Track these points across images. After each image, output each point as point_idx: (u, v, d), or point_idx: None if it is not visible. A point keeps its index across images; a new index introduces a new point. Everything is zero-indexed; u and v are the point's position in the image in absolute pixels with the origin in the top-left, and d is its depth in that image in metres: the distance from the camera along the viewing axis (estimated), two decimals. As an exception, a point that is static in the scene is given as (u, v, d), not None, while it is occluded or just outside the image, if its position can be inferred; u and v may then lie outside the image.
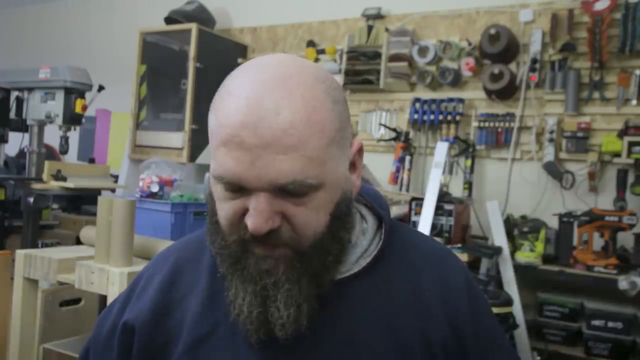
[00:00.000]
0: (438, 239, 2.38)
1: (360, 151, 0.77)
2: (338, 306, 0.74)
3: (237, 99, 0.66)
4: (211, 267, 0.80)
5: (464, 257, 2.37)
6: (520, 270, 2.42)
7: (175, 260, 0.84)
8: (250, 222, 0.66)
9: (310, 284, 0.70)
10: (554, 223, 2.54)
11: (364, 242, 0.79)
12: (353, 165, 0.76)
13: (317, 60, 3.30)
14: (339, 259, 0.74)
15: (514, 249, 2.48)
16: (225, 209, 0.70)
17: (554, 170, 2.68)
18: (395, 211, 2.57)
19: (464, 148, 2.86)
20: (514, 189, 2.82)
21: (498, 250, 2.40)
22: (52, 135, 2.94)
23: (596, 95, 2.63)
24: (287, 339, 0.70)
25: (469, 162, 2.85)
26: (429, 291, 0.78)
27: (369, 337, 0.73)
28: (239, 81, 0.69)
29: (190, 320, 0.77)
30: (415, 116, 3.02)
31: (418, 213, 2.49)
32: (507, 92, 2.79)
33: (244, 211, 0.68)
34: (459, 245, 2.44)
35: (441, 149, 2.63)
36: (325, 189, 0.69)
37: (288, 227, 0.68)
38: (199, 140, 3.38)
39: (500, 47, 2.73)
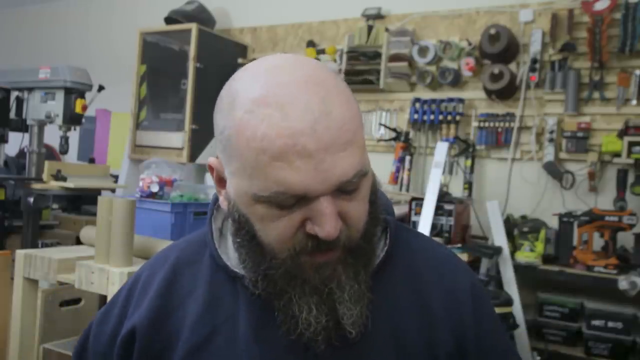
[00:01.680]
0: (438, 239, 2.38)
1: None
2: None
3: (277, 108, 0.62)
4: (211, 269, 0.78)
5: (464, 257, 2.37)
6: (520, 270, 2.42)
7: (174, 262, 0.82)
8: (325, 230, 0.64)
9: (366, 273, 0.71)
10: (554, 223, 2.54)
11: None
12: None
13: (317, 60, 3.30)
14: (378, 239, 0.76)
15: (514, 249, 2.48)
16: (276, 227, 0.66)
17: (554, 170, 2.68)
18: (395, 211, 2.57)
19: (464, 148, 2.86)
20: (514, 189, 2.82)
21: (498, 250, 2.40)
22: (52, 135, 2.94)
23: (596, 95, 2.63)
24: (356, 338, 0.69)
25: (469, 162, 2.85)
26: (434, 299, 0.77)
27: (374, 343, 0.73)
28: (263, 90, 0.64)
29: (189, 325, 0.75)
30: (415, 116, 3.02)
31: (418, 213, 2.49)
32: (507, 92, 2.79)
33: (301, 224, 0.66)
34: (459, 245, 2.44)
35: (441, 149, 2.63)
36: (368, 175, 0.69)
37: (344, 226, 0.68)
38: (199, 140, 3.38)
39: (500, 47, 2.73)
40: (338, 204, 0.66)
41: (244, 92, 0.65)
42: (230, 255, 0.77)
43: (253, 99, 0.64)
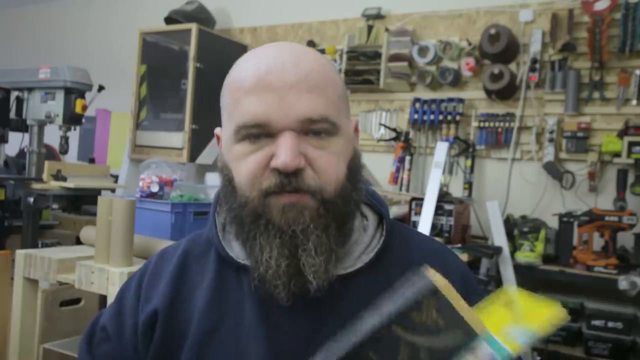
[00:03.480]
0: (438, 239, 2.38)
1: (356, 130, 0.82)
2: (341, 302, 0.75)
3: (257, 57, 0.74)
4: (217, 263, 0.81)
5: (464, 257, 2.37)
6: (520, 270, 2.42)
7: (183, 256, 0.85)
8: (280, 160, 0.68)
9: (338, 231, 0.72)
10: (554, 223, 2.54)
11: (366, 238, 0.80)
12: None
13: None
14: (358, 208, 0.79)
15: (514, 249, 2.48)
16: (246, 163, 0.72)
17: (554, 170, 2.68)
18: (395, 211, 2.57)
19: (464, 148, 2.86)
20: (514, 189, 2.82)
21: (498, 250, 2.39)
22: (52, 135, 2.94)
23: (596, 95, 2.63)
24: (318, 291, 0.70)
25: (469, 162, 2.85)
26: None
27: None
28: (250, 53, 0.77)
29: (198, 314, 0.78)
30: (415, 116, 3.02)
31: (418, 213, 2.49)
32: (507, 92, 2.79)
33: (268, 161, 0.71)
34: (459, 245, 2.44)
35: (441, 149, 2.63)
36: (341, 136, 0.74)
37: (312, 172, 0.71)
38: (199, 140, 3.38)
39: (500, 47, 2.73)
40: (304, 146, 0.71)
41: (236, 64, 0.78)
42: (234, 248, 0.80)
43: (243, 59, 0.77)
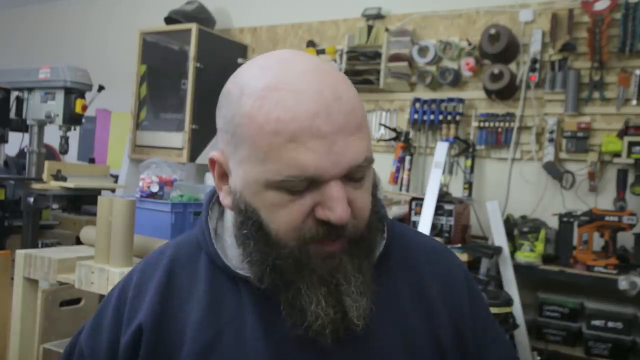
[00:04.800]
0: (438, 239, 2.38)
1: None
2: None
3: (290, 92, 0.64)
4: (208, 270, 0.77)
5: (464, 257, 2.37)
6: (520, 270, 2.42)
7: (168, 264, 0.79)
8: (337, 214, 0.64)
9: (369, 265, 0.72)
10: (554, 223, 2.54)
11: None
12: None
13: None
14: (382, 234, 0.77)
15: (514, 249, 2.48)
16: (287, 213, 0.66)
17: (554, 170, 2.68)
18: (395, 211, 2.57)
19: (464, 148, 2.86)
20: (514, 189, 2.82)
21: (498, 250, 2.39)
22: (52, 135, 2.94)
23: (596, 95, 2.63)
24: (361, 329, 0.69)
25: (469, 162, 2.85)
26: (431, 289, 0.79)
27: (379, 334, 0.73)
28: (274, 77, 0.65)
29: (192, 327, 0.73)
30: (415, 116, 3.02)
31: (418, 213, 2.49)
32: (507, 92, 2.79)
33: (311, 210, 0.66)
34: (459, 245, 2.44)
35: (441, 149, 2.63)
36: (372, 166, 0.71)
37: (351, 215, 0.68)
38: (199, 140, 3.38)
39: (500, 47, 2.73)
40: (346, 190, 0.66)
41: (254, 80, 0.67)
42: (229, 255, 0.76)
43: (264, 86, 0.65)
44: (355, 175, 0.67)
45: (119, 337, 0.76)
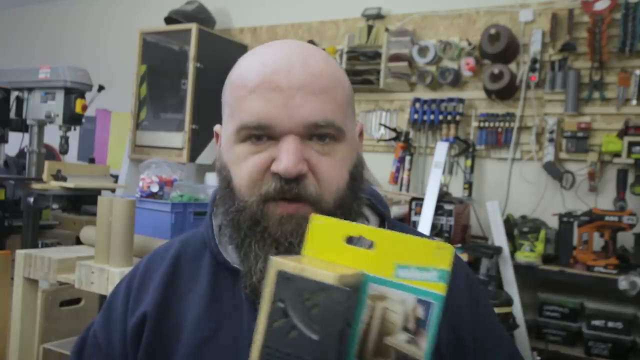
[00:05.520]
0: (438, 239, 2.37)
1: (361, 134, 0.81)
2: None
3: (264, 54, 0.71)
4: (211, 266, 0.79)
5: (464, 257, 2.37)
6: (520, 270, 2.42)
7: (174, 258, 0.82)
8: (282, 164, 0.66)
9: None
10: (554, 223, 2.54)
11: None
12: None
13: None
14: (357, 219, 0.74)
15: (514, 249, 2.48)
16: (246, 165, 0.69)
17: (554, 170, 2.68)
18: (395, 211, 2.57)
19: (464, 148, 2.86)
20: (514, 189, 2.82)
21: (498, 250, 2.39)
22: (52, 135, 2.94)
23: (596, 95, 2.63)
24: None
25: (469, 162, 2.85)
26: None
27: None
28: (253, 52, 0.74)
29: (191, 320, 0.75)
30: (415, 116, 3.02)
31: (418, 213, 2.49)
32: (507, 92, 2.79)
33: (269, 164, 0.68)
34: (459, 245, 2.44)
35: (441, 149, 2.63)
36: (346, 142, 0.71)
37: (313, 179, 0.69)
38: (199, 140, 3.38)
39: (500, 47, 2.73)
40: (307, 151, 0.68)
41: (240, 60, 0.75)
42: (229, 252, 0.78)
43: (245, 58, 0.74)
44: (317, 132, 0.68)
45: (127, 326, 0.79)
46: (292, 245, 0.68)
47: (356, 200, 0.73)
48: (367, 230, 0.54)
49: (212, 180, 2.80)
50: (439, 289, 0.49)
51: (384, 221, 0.83)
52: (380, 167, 3.03)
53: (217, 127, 0.80)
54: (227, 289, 0.76)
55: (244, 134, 0.69)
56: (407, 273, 0.50)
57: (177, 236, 0.89)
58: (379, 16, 3.23)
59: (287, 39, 0.76)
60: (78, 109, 2.68)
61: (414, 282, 0.50)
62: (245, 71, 0.71)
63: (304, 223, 0.67)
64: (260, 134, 0.69)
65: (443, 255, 0.50)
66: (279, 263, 0.51)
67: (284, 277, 0.50)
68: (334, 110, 0.69)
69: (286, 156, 0.66)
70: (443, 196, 2.51)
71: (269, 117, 0.67)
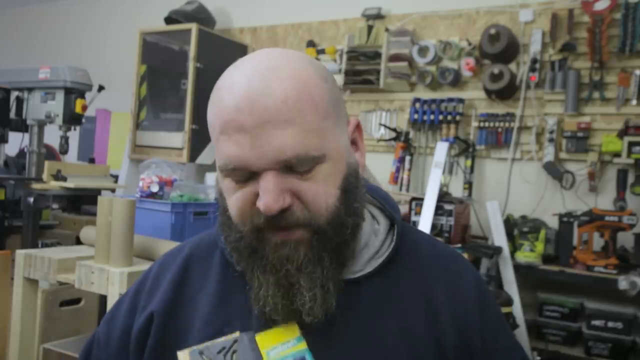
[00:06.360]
0: (438, 239, 2.38)
1: (358, 128, 0.78)
2: (350, 306, 0.74)
3: (228, 89, 0.69)
4: (221, 266, 0.80)
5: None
6: (520, 270, 2.42)
7: (186, 258, 0.84)
8: (262, 202, 0.66)
9: (332, 261, 0.70)
10: (554, 223, 2.54)
11: (376, 242, 0.79)
12: (354, 143, 0.77)
13: (317, 60, 3.30)
14: (356, 233, 0.74)
15: (514, 249, 2.48)
16: (235, 199, 0.70)
17: (554, 170, 2.68)
18: (395, 211, 2.56)
19: (464, 148, 2.86)
20: (514, 189, 2.82)
21: (498, 250, 2.40)
22: (52, 135, 2.94)
23: (596, 95, 2.63)
24: (315, 323, 0.69)
25: (469, 162, 2.85)
26: (440, 294, 0.77)
27: (382, 338, 0.73)
28: (228, 74, 0.71)
29: (200, 319, 0.77)
30: (415, 116, 3.02)
31: (418, 213, 2.49)
32: (507, 92, 2.79)
33: (254, 198, 0.68)
34: (459, 245, 2.44)
35: (441, 149, 2.63)
36: (329, 161, 0.69)
37: (300, 205, 0.68)
38: (199, 140, 3.38)
39: (500, 47, 2.73)
40: (287, 182, 0.67)
41: (219, 79, 0.73)
42: None
43: (218, 84, 0.72)
44: (297, 168, 0.67)
45: (133, 323, 0.80)
46: (288, 272, 0.69)
47: (351, 215, 0.72)
48: None
49: (212, 180, 2.80)
50: (303, 345, 0.69)
51: (394, 224, 0.82)
52: (380, 167, 3.03)
53: None
54: (237, 288, 0.77)
55: (225, 173, 0.70)
56: (275, 352, 0.70)
57: (190, 238, 0.90)
58: (379, 16, 3.23)
59: (259, 54, 0.72)
60: (78, 109, 2.68)
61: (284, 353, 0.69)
62: (214, 107, 0.71)
63: (300, 247, 0.68)
64: (239, 174, 0.69)
65: (294, 329, 0.71)
66: None
67: None
68: (304, 139, 0.66)
69: (265, 195, 0.66)
70: (443, 196, 2.51)
71: (241, 160, 0.67)
